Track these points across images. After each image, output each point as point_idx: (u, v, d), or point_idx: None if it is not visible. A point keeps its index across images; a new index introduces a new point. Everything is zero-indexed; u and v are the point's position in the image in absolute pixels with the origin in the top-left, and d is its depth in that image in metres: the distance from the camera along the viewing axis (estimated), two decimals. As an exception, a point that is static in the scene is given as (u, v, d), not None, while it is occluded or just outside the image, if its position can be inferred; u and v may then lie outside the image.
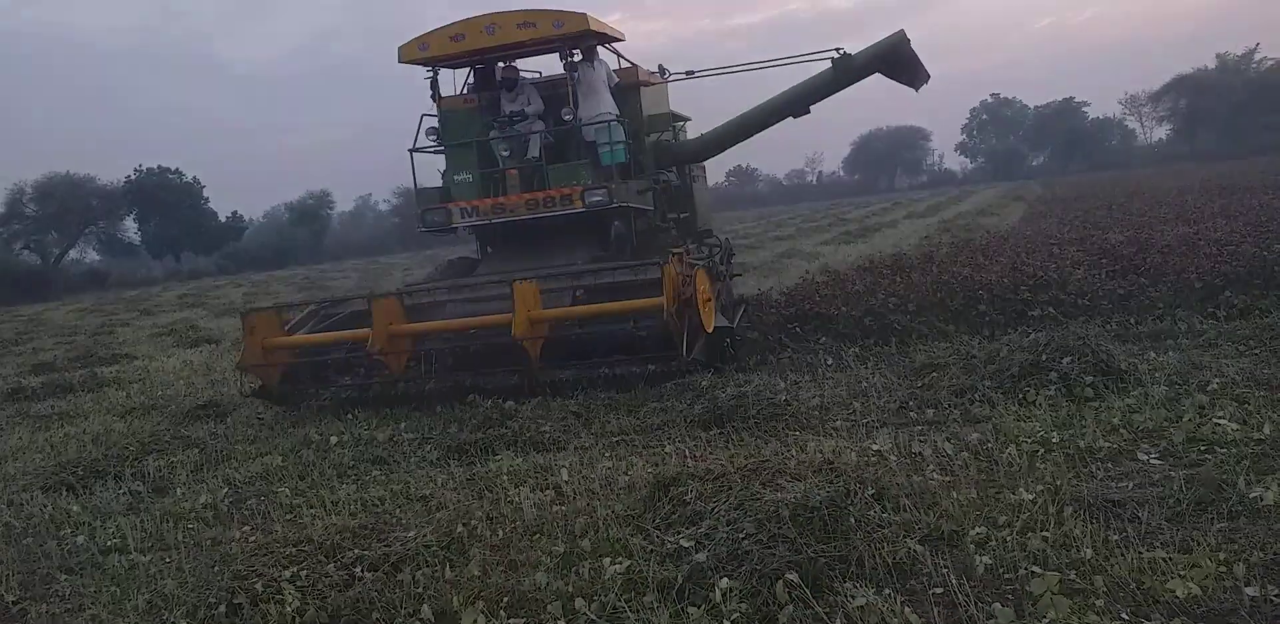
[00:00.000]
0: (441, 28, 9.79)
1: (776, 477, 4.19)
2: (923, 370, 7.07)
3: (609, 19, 10.16)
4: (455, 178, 9.97)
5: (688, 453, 5.50)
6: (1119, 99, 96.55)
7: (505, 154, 9.91)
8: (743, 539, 3.69)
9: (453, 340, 8.31)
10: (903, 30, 10.40)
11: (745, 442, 5.67)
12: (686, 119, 11.60)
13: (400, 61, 9.87)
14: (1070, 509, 3.94)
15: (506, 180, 9.74)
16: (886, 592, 3.42)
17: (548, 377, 7.76)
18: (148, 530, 5.33)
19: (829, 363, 7.70)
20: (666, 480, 4.49)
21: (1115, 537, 3.68)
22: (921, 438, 5.35)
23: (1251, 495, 3.89)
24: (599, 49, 9.97)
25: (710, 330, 7.90)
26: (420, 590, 3.83)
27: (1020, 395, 5.94)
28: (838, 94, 10.68)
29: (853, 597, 3.37)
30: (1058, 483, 4.27)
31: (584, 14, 9.40)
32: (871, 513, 3.90)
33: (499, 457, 5.96)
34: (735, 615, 3.35)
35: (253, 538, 4.79)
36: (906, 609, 3.27)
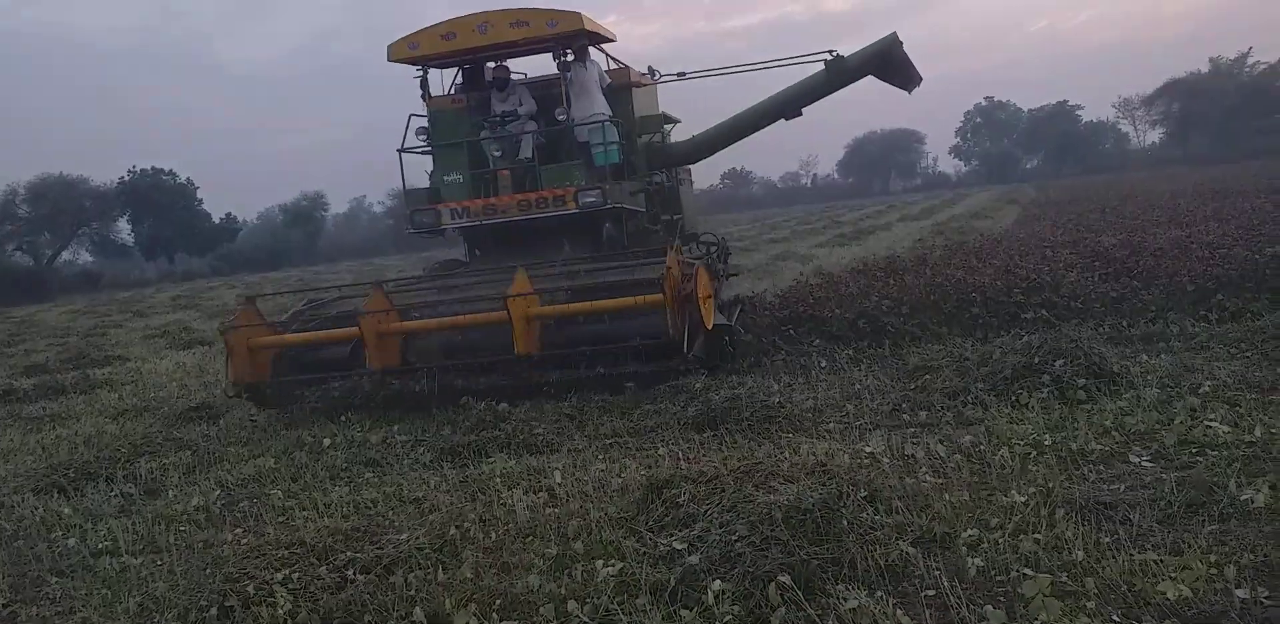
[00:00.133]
0: (432, 26, 9.69)
1: (769, 479, 4.19)
2: (916, 373, 7.08)
3: (605, 21, 10.16)
4: (445, 178, 9.88)
5: (681, 455, 5.51)
6: (1112, 102, 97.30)
7: (497, 154, 9.83)
8: (735, 541, 3.69)
9: (444, 340, 8.14)
10: (895, 33, 10.44)
11: (738, 444, 5.67)
12: (676, 121, 11.56)
13: (390, 60, 9.78)
14: (1062, 511, 3.95)
15: (498, 181, 9.65)
16: (879, 594, 3.43)
17: (541, 378, 7.65)
18: (139, 533, 5.31)
19: (822, 365, 7.71)
20: (660, 482, 4.49)
21: (1107, 539, 3.69)
22: (914, 440, 5.35)
23: (1242, 498, 3.90)
24: (590, 50, 9.93)
25: (710, 328, 7.85)
26: (413, 593, 3.82)
27: (1013, 398, 5.95)
28: (831, 96, 10.70)
29: (845, 599, 3.37)
30: (1050, 485, 4.28)
31: (578, 13, 9.37)
32: (864, 515, 3.91)
33: (492, 459, 5.96)
34: (728, 618, 3.35)
35: (245, 540, 4.77)
36: (899, 611, 3.27)
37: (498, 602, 3.67)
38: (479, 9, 9.71)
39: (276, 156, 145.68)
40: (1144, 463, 4.59)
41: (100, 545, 5.14)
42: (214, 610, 3.79)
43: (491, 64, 10.22)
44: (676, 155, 11.20)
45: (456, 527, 4.51)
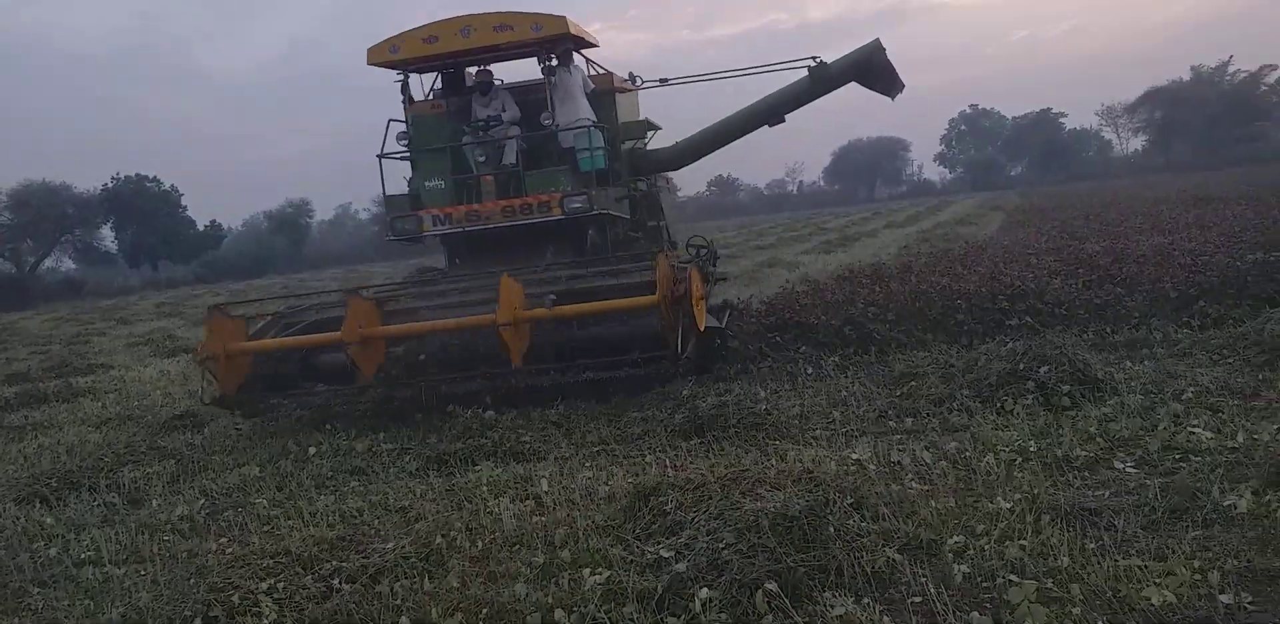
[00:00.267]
0: (414, 29, 9.54)
1: (756, 486, 4.20)
2: (901, 379, 7.10)
3: (590, 28, 10.15)
4: (427, 184, 9.72)
5: (668, 463, 5.51)
6: (1096, 110, 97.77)
7: (481, 160, 9.71)
8: (722, 549, 3.69)
9: (427, 345, 7.92)
10: (878, 39, 10.49)
11: (725, 451, 5.67)
12: (658, 128, 11.40)
13: (369, 63, 9.63)
14: (1047, 518, 3.97)
15: (481, 187, 9.53)
16: (865, 601, 3.44)
17: (530, 381, 7.50)
18: (122, 543, 5.27)
19: (809, 372, 7.72)
20: (647, 490, 4.49)
21: (1092, 545, 3.71)
22: (900, 447, 5.37)
23: (1225, 503, 3.93)
24: (572, 55, 9.84)
25: (702, 329, 7.79)
26: (399, 602, 3.81)
27: (998, 404, 5.98)
28: (816, 104, 10.75)
29: (832, 606, 3.38)
30: (1035, 491, 4.30)
31: (563, 17, 9.27)
32: (850, 522, 3.92)
33: (478, 467, 5.94)
34: (715, 625, 3.35)
35: (229, 550, 4.75)
36: (885, 618, 3.28)
37: (484, 611, 3.66)
38: (463, 14, 9.60)
39: (261, 163, 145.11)
40: (1128, 469, 4.62)
41: (83, 555, 5.10)
42: (198, 621, 3.76)
43: (475, 68, 10.10)
44: (660, 162, 11.15)
45: (443, 535, 4.49)
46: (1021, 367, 6.28)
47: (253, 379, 8.05)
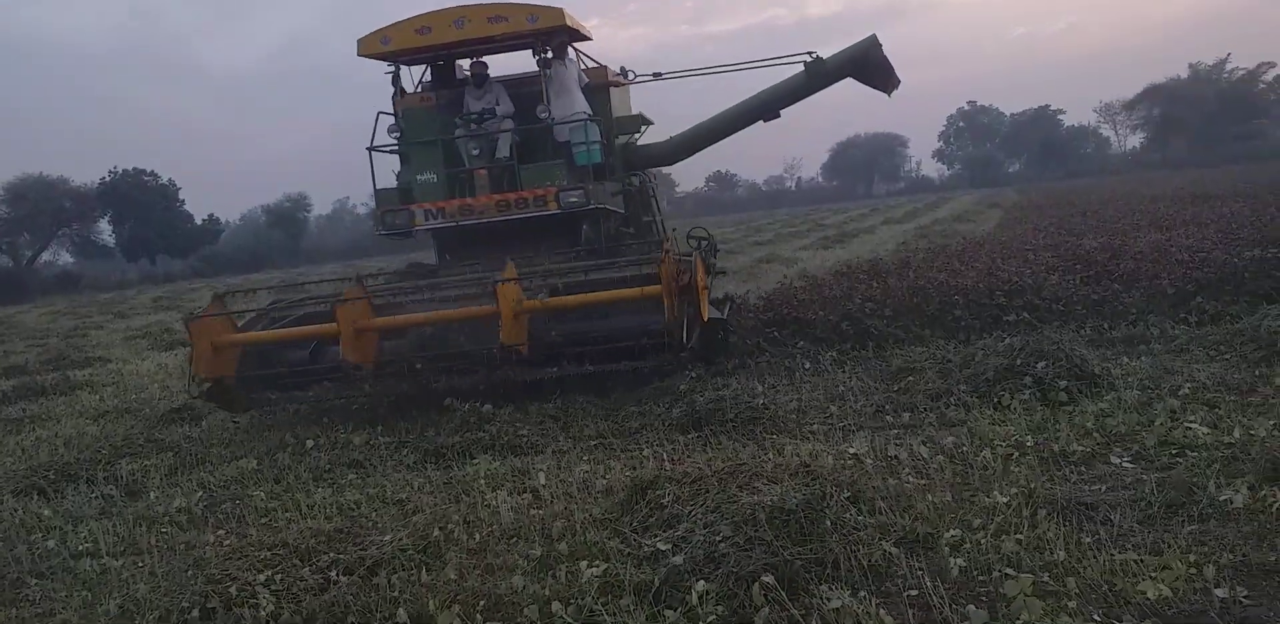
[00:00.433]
0: (406, 20, 9.35)
1: (753, 480, 4.20)
2: (899, 374, 7.11)
3: (588, 24, 10.10)
4: (419, 178, 9.54)
5: (665, 456, 5.51)
6: (1094, 107, 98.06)
7: (475, 153, 9.54)
8: (719, 542, 3.70)
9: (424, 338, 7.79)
10: (874, 35, 10.45)
11: (723, 445, 5.68)
12: (650, 123, 11.23)
13: (360, 55, 9.45)
14: (1044, 512, 3.98)
15: (475, 181, 9.38)
16: (862, 594, 3.45)
17: (533, 376, 7.34)
18: (120, 534, 5.28)
19: (806, 367, 7.73)
20: (644, 483, 4.50)
21: (1088, 539, 3.72)
22: (897, 441, 5.38)
23: (1221, 498, 3.94)
24: (566, 48, 9.71)
25: (705, 320, 7.70)
26: (396, 594, 3.81)
27: (995, 399, 5.99)
28: (814, 100, 10.70)
29: (828, 599, 3.39)
30: (1031, 486, 4.31)
31: (560, 9, 9.15)
32: (847, 516, 3.93)
33: (476, 460, 5.94)
34: (712, 618, 3.36)
35: (227, 542, 4.76)
36: (882, 611, 3.29)
37: (481, 603, 3.66)
38: (457, 5, 9.41)
39: (259, 158, 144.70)
40: (1125, 464, 4.64)
41: (81, 547, 5.10)
42: (196, 612, 3.77)
43: (469, 60, 9.94)
44: (654, 157, 11.03)
45: (440, 528, 4.50)
46: (1019, 362, 6.29)
47: (241, 373, 7.80)
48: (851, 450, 5.17)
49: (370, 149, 9.62)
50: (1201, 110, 71.45)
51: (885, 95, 10.79)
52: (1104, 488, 4.33)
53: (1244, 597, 3.18)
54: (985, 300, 8.84)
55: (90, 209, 62.65)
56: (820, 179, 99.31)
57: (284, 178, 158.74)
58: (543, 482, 5.16)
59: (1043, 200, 34.18)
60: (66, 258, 67.19)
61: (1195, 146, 70.22)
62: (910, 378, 6.91)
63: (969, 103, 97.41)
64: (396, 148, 9.83)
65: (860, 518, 3.96)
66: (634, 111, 10.98)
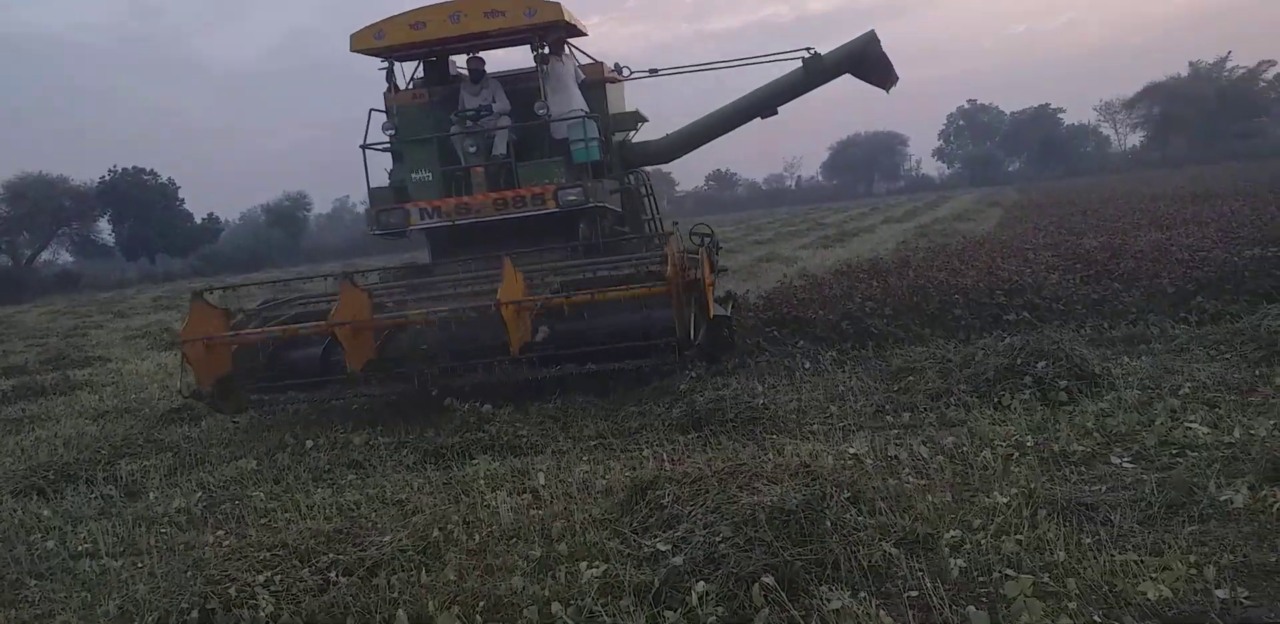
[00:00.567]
0: (400, 14, 9.18)
1: (753, 480, 4.20)
2: (899, 374, 7.11)
3: (589, 22, 10.03)
4: (414, 176, 9.35)
5: (665, 456, 5.51)
6: (1094, 106, 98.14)
7: (471, 150, 9.40)
8: (719, 543, 3.70)
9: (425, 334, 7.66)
10: (873, 31, 10.40)
11: (723, 445, 5.68)
12: (645, 120, 11.04)
13: (352, 50, 9.29)
14: (1044, 512, 3.98)
15: (471, 178, 9.25)
16: (862, 594, 3.44)
17: (533, 374, 7.25)
18: (119, 535, 5.27)
19: (806, 367, 7.73)
20: (644, 484, 4.49)
21: (1088, 539, 3.72)
22: (897, 441, 5.37)
23: (1222, 498, 3.93)
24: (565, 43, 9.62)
25: (711, 316, 7.65)
26: (396, 595, 3.81)
27: (995, 399, 5.99)
28: (815, 98, 10.66)
29: (828, 600, 3.38)
30: (1031, 486, 4.31)
31: (558, 3, 9.00)
32: (847, 516, 3.92)
33: (476, 461, 5.94)
34: (712, 619, 3.35)
35: (226, 542, 4.75)
36: (882, 612, 3.29)
37: (481, 604, 3.66)
38: None
39: (259, 156, 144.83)
40: (1125, 464, 4.63)
41: (80, 548, 5.10)
42: (195, 613, 3.76)
43: (465, 55, 9.81)
44: (650, 154, 10.91)
45: (440, 528, 4.49)
46: (1019, 362, 6.28)
47: (233, 373, 7.70)
48: (851, 450, 5.17)
49: (364, 147, 9.49)
50: (1202, 108, 71.45)
51: (884, 91, 10.75)
52: (1104, 488, 4.32)
53: (1245, 597, 3.18)
54: (985, 299, 8.84)
55: (90, 208, 62.63)
56: (820, 178, 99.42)
57: (284, 176, 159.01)
58: (542, 482, 5.16)
59: (1043, 199, 34.19)
60: (66, 257, 67.27)
61: (1195, 145, 70.24)
62: (910, 377, 6.90)
63: (969, 101, 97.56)
64: (385, 146, 9.69)
65: (860, 518, 3.96)
66: (633, 108, 10.91)
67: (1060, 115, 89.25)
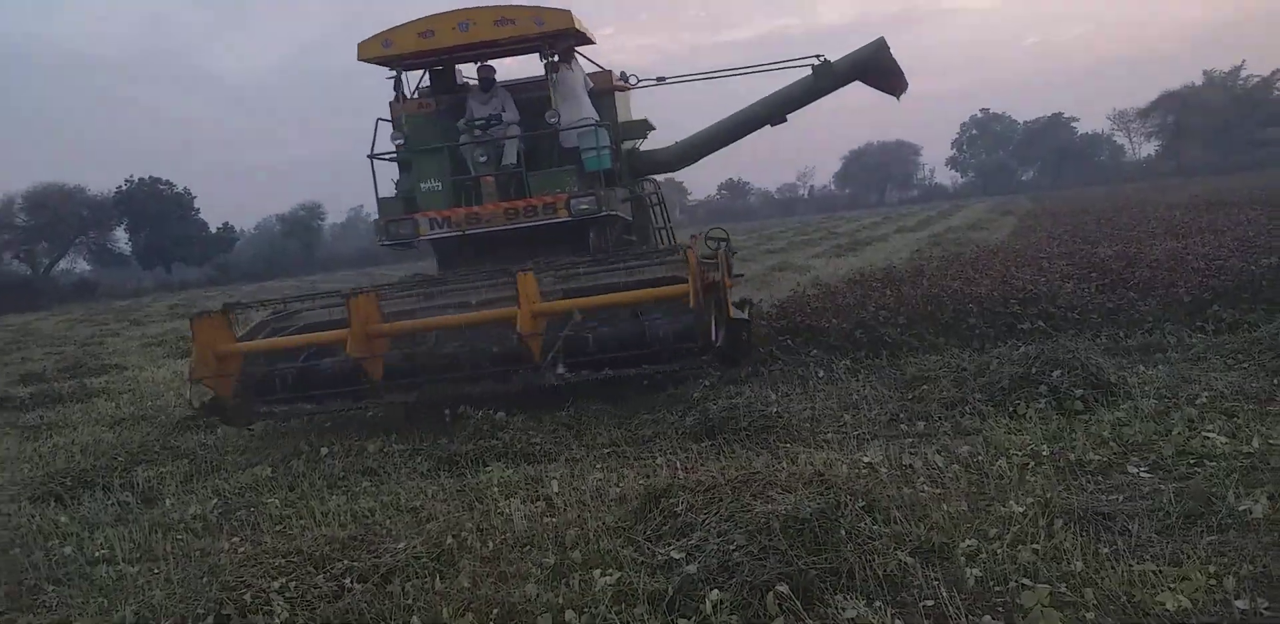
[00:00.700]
0: (409, 23, 9.14)
1: (767, 488, 4.19)
2: (913, 383, 7.08)
3: (602, 33, 10.07)
4: (423, 186, 9.31)
5: (679, 464, 5.50)
6: (1107, 114, 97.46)
7: (482, 160, 9.36)
8: (733, 551, 3.69)
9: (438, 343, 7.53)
10: (882, 38, 10.38)
11: (736, 453, 5.67)
12: (653, 128, 10.99)
13: (360, 59, 9.25)
14: (1060, 522, 3.95)
15: (481, 188, 9.19)
16: (877, 604, 3.43)
17: (553, 381, 7.17)
18: (136, 541, 5.30)
19: (820, 375, 7.71)
20: (657, 492, 4.49)
21: (1105, 549, 3.69)
22: (912, 450, 5.36)
23: (1241, 508, 3.90)
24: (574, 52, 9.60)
25: (731, 318, 7.56)
26: (410, 602, 3.82)
27: (1010, 408, 5.96)
28: (828, 107, 10.68)
29: (843, 609, 3.37)
30: (1048, 495, 4.28)
31: (568, 11, 9.01)
32: (862, 525, 3.91)
33: (489, 468, 5.95)
34: (726, 627, 3.34)
35: (242, 549, 4.77)
36: (897, 621, 3.28)
37: (495, 611, 3.66)
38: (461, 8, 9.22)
39: (274, 166, 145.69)
40: (1142, 473, 4.60)
41: (97, 554, 5.13)
42: (210, 619, 3.78)
43: (466, 65, 9.83)
44: (659, 162, 10.87)
45: (454, 536, 4.50)
46: (1034, 370, 6.25)
47: (243, 384, 7.51)
48: (866, 459, 5.15)
49: (371, 157, 9.44)
50: (1216, 117, 71.13)
51: (894, 98, 10.72)
52: (1121, 498, 4.30)
53: (1265, 608, 3.15)
54: (1000, 308, 8.80)
55: (107, 217, 63.23)
56: (833, 187, 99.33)
57: (299, 186, 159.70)
58: (556, 489, 5.16)
59: (1057, 208, 34.07)
60: (83, 266, 67.76)
61: (1210, 154, 69.87)
62: (925, 386, 6.88)
63: (982, 110, 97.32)
64: (393, 156, 9.64)
65: (875, 527, 3.94)
66: (642, 117, 10.90)
67: (1074, 124, 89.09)
